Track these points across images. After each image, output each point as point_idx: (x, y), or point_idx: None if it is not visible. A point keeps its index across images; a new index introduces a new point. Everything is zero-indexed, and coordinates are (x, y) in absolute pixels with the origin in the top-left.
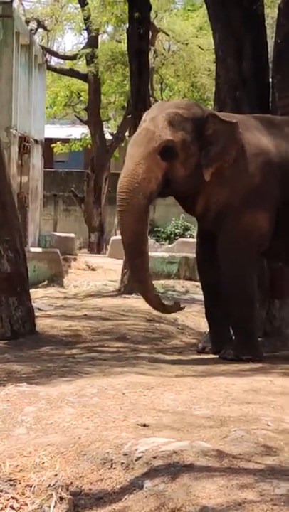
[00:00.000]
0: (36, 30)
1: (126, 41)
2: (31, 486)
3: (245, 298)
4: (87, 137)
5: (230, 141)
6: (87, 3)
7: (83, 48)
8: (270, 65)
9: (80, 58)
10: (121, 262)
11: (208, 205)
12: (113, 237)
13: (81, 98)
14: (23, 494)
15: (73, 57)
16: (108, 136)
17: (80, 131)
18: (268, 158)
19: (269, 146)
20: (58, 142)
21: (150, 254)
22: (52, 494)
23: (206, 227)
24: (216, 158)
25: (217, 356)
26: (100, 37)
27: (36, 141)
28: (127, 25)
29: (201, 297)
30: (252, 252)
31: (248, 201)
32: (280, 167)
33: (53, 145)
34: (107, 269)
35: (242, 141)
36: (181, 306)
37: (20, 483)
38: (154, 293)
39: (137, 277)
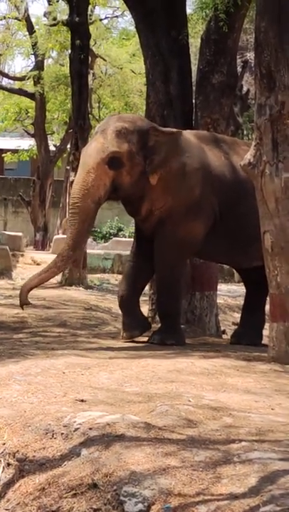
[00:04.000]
0: None
1: (68, 65)
2: None
3: (172, 294)
4: (33, 148)
5: (170, 151)
6: (35, 31)
7: (31, 71)
8: (194, 88)
9: (28, 79)
10: None
11: (152, 210)
12: (56, 236)
13: (29, 114)
14: None
15: (22, 78)
16: (52, 148)
17: (27, 143)
18: (208, 172)
19: (210, 162)
20: (8, 152)
21: (88, 251)
22: (0, 460)
23: (146, 230)
24: (159, 165)
25: (145, 341)
26: (45, 61)
27: None
28: (70, 51)
29: None
30: (183, 257)
31: (188, 212)
32: (217, 182)
33: (3, 155)
34: None
35: (186, 156)
36: (23, 308)
37: None
38: (46, 280)
39: (57, 264)
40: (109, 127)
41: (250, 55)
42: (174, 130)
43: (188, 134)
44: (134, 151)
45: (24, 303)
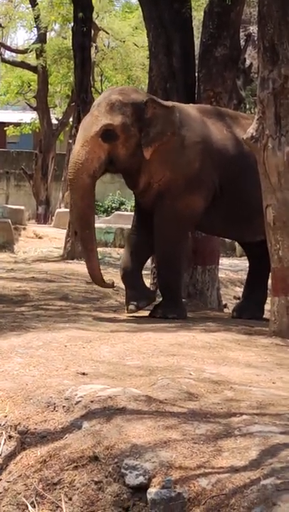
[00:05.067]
0: None
1: (71, 38)
2: None
3: (173, 268)
4: (36, 122)
5: (166, 123)
6: (37, 4)
7: (33, 43)
8: (197, 61)
9: (30, 52)
10: (64, 231)
11: (150, 183)
12: (58, 210)
13: (31, 87)
14: None
15: (24, 51)
16: (54, 121)
17: (30, 116)
18: (207, 146)
19: (211, 135)
20: (11, 126)
21: None
22: (2, 433)
23: (145, 203)
24: (154, 138)
25: (146, 315)
26: (48, 34)
27: None
28: (72, 24)
29: None
30: (183, 230)
31: (187, 186)
32: (218, 155)
33: (5, 128)
34: (52, 237)
35: (184, 129)
36: (114, 285)
37: None
38: (97, 262)
39: (86, 246)
40: (104, 100)
41: (254, 29)
42: (173, 103)
43: (189, 108)
44: (128, 123)
45: (108, 285)
